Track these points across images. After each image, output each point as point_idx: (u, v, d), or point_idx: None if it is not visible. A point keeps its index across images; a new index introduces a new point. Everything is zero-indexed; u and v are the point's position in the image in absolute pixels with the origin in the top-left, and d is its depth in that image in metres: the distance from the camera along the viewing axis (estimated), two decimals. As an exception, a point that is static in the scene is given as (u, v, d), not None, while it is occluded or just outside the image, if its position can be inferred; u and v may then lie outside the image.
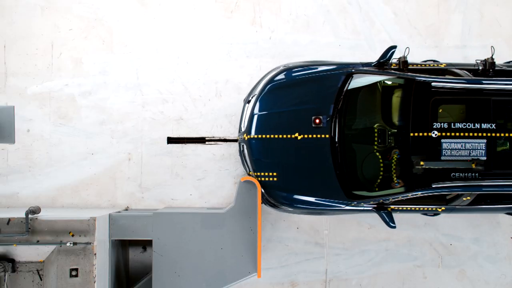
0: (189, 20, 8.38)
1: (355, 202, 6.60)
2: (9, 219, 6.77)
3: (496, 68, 6.79)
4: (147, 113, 8.26)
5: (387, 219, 6.70)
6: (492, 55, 6.76)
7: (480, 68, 6.75)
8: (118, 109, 8.26)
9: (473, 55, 8.21)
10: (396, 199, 6.57)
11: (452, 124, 6.40)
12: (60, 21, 8.37)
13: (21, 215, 6.73)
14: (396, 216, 8.18)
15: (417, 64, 6.91)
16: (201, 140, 8.23)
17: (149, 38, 8.34)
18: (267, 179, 6.81)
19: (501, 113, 6.48)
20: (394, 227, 6.68)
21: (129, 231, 7.16)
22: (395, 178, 6.72)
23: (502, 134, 6.42)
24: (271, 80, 6.93)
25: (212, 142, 8.17)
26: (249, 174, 7.11)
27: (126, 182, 8.24)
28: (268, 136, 6.74)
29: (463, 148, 6.37)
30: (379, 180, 6.78)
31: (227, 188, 8.21)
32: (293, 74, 6.90)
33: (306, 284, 8.24)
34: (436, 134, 6.36)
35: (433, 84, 6.46)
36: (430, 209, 6.85)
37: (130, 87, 8.26)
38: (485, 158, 6.35)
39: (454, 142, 6.37)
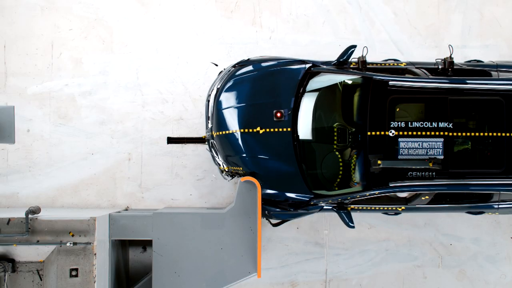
0: (189, 20, 8.38)
1: (315, 201, 6.62)
2: (9, 219, 6.77)
3: (455, 67, 6.79)
4: (147, 113, 8.27)
5: (346, 219, 6.70)
6: (451, 55, 6.75)
7: (440, 67, 6.76)
8: (118, 109, 8.26)
9: (473, 55, 8.22)
10: (354, 199, 6.55)
11: (409, 123, 6.39)
12: (60, 21, 8.37)
13: (21, 215, 6.73)
14: (395, 216, 8.19)
15: (377, 64, 6.92)
16: (201, 140, 8.23)
17: (149, 38, 8.34)
18: (238, 172, 6.93)
19: (459, 113, 6.48)
20: (353, 227, 6.68)
21: (129, 231, 7.15)
22: (353, 177, 6.69)
23: (459, 134, 6.41)
24: (233, 75, 6.97)
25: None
26: (221, 170, 7.17)
27: (126, 182, 8.24)
28: (232, 131, 6.77)
29: (420, 147, 6.36)
30: (338, 179, 6.76)
31: (227, 188, 8.21)
32: (255, 69, 6.94)
33: (306, 284, 8.24)
34: (393, 133, 6.36)
35: (390, 83, 6.47)
36: (390, 208, 6.86)
37: (130, 87, 8.27)
38: (442, 157, 6.34)
39: (411, 141, 6.36)
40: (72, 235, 6.79)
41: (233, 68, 7.07)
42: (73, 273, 6.75)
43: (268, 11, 8.39)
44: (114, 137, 8.24)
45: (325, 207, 6.77)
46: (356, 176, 6.60)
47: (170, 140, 8.26)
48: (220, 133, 6.87)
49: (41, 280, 7.02)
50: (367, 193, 6.45)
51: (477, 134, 6.45)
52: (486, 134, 6.46)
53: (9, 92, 8.28)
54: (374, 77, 6.52)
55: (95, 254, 6.74)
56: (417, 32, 8.35)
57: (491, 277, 8.25)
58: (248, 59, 7.18)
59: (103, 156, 8.22)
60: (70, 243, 6.69)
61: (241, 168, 6.87)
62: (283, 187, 6.72)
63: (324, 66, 6.85)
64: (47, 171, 8.23)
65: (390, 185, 6.37)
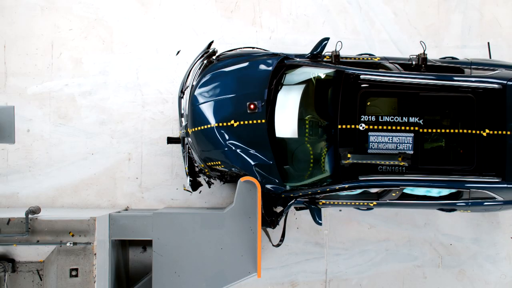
0: (189, 20, 8.38)
1: (286, 194, 6.67)
2: (9, 219, 6.76)
3: (429, 63, 6.80)
4: (147, 113, 8.27)
5: (316, 215, 6.73)
6: (424, 51, 6.74)
7: (413, 63, 6.76)
8: (118, 109, 8.26)
9: (473, 55, 8.22)
10: (325, 192, 6.56)
11: (380, 117, 6.40)
12: (60, 21, 8.37)
13: (21, 215, 6.73)
14: (395, 216, 8.19)
15: (350, 58, 6.95)
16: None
17: (149, 38, 8.34)
18: (216, 167, 6.95)
19: (430, 109, 6.48)
20: (320, 224, 6.71)
21: (129, 231, 7.15)
22: (323, 171, 6.67)
23: (430, 130, 6.41)
24: (207, 70, 7.00)
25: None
26: (200, 168, 7.21)
27: (126, 182, 8.24)
28: (207, 126, 6.78)
29: (390, 141, 6.36)
30: (309, 172, 6.74)
31: (227, 188, 8.20)
32: (227, 63, 6.98)
33: (306, 284, 8.24)
34: (363, 127, 6.36)
35: (361, 76, 6.48)
36: (362, 203, 6.87)
37: (130, 87, 8.26)
38: (412, 152, 6.34)
39: (381, 135, 6.36)
40: (72, 235, 6.79)
41: (207, 63, 7.10)
42: (73, 273, 6.75)
43: (268, 11, 8.39)
44: (114, 137, 8.24)
45: (296, 201, 6.80)
46: (326, 169, 6.57)
47: (170, 140, 8.23)
48: (196, 129, 6.87)
49: (41, 280, 7.02)
50: (337, 186, 6.45)
51: (447, 131, 6.44)
52: (456, 131, 6.45)
53: (9, 92, 8.28)
54: (346, 70, 6.53)
55: (95, 254, 6.74)
56: (417, 32, 8.35)
57: (491, 277, 8.25)
58: (214, 50, 7.23)
59: (103, 156, 8.23)
60: (70, 243, 6.68)
61: (219, 162, 6.86)
62: (261, 179, 6.74)
63: (298, 59, 6.88)
64: (47, 171, 8.23)
65: (360, 178, 6.36)
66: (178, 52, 8.09)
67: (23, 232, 6.67)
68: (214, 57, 7.20)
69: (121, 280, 7.70)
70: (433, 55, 8.21)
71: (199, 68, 7.15)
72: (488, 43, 8.11)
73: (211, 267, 6.97)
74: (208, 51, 7.25)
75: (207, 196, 8.23)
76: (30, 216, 6.74)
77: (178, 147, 8.23)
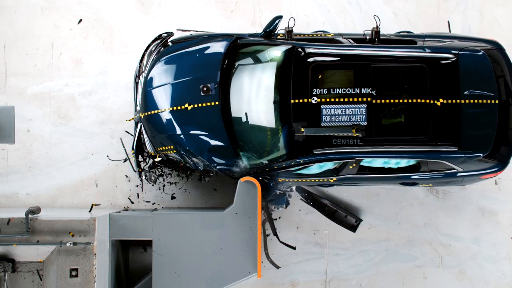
0: (189, 20, 8.38)
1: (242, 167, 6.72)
2: (9, 219, 6.77)
3: (383, 37, 6.80)
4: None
5: (272, 193, 6.86)
6: (378, 25, 6.73)
7: (367, 37, 6.77)
8: (118, 109, 8.26)
9: (473, 55, 8.22)
10: (281, 168, 6.57)
11: (332, 90, 6.38)
12: (60, 21, 8.37)
13: (21, 215, 6.73)
14: (395, 216, 8.19)
15: (304, 34, 6.94)
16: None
17: (149, 38, 8.33)
18: (167, 152, 6.96)
19: (382, 79, 6.43)
20: (280, 200, 6.77)
21: (129, 231, 7.15)
22: (280, 147, 6.64)
23: (383, 101, 6.36)
24: (160, 55, 7.01)
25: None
26: (151, 155, 7.20)
27: (126, 182, 8.24)
28: (161, 110, 6.78)
29: (343, 113, 6.33)
30: (267, 149, 6.73)
31: (227, 188, 8.20)
32: (180, 46, 6.99)
33: (306, 284, 8.24)
34: (315, 100, 6.34)
35: (312, 51, 6.48)
36: (322, 180, 6.88)
37: (130, 87, 8.26)
38: (365, 123, 6.31)
39: (334, 108, 6.33)
40: (72, 235, 6.79)
41: (160, 47, 7.11)
42: (73, 273, 6.75)
43: (268, 11, 8.39)
44: (114, 137, 8.24)
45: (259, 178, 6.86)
46: (283, 146, 6.56)
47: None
48: (149, 113, 6.87)
49: (41, 280, 7.02)
50: (292, 162, 6.46)
51: (400, 101, 6.39)
52: (410, 101, 6.40)
53: (9, 92, 8.28)
54: (296, 46, 6.54)
55: (95, 254, 6.74)
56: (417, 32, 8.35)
57: (491, 277, 8.25)
58: (168, 33, 7.25)
59: (103, 156, 8.22)
60: (70, 243, 6.69)
61: (172, 147, 6.86)
62: (217, 160, 6.75)
63: (251, 38, 6.90)
64: (47, 171, 8.23)
65: (315, 152, 6.35)
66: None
67: (23, 232, 6.67)
68: (169, 41, 7.20)
69: (121, 280, 7.70)
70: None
71: (155, 53, 7.15)
72: (448, 21, 8.12)
73: (211, 267, 6.98)
74: (162, 35, 7.28)
75: (207, 196, 8.23)
76: (30, 216, 6.74)
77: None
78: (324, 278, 8.23)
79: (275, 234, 7.76)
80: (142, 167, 7.49)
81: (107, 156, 8.14)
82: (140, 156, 7.37)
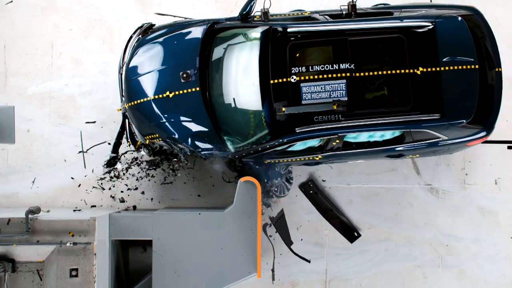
0: (189, 20, 8.37)
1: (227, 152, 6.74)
2: (9, 219, 6.77)
3: (359, 11, 6.77)
4: (147, 113, 8.26)
5: (263, 175, 6.89)
6: None
7: (344, 13, 6.75)
8: (118, 109, 8.26)
9: (473, 55, 8.22)
10: (265, 149, 6.58)
11: (310, 67, 6.37)
12: (60, 21, 8.37)
13: (21, 215, 6.73)
14: (395, 216, 8.19)
15: (280, 15, 6.96)
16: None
17: (149, 38, 8.33)
18: (153, 141, 7.00)
19: (360, 53, 6.41)
20: (267, 181, 6.81)
21: (129, 231, 7.15)
22: (263, 128, 6.64)
23: (362, 74, 6.34)
24: (139, 44, 7.04)
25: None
26: (129, 145, 7.26)
27: (126, 182, 8.23)
28: (143, 99, 6.82)
29: (323, 90, 6.32)
30: (251, 132, 6.73)
31: (227, 188, 8.21)
32: (159, 34, 7.02)
33: (306, 284, 8.24)
34: (295, 79, 6.34)
35: (288, 29, 6.47)
36: (307, 158, 6.90)
37: (130, 87, 8.25)
38: (346, 98, 6.30)
39: (313, 85, 6.32)
40: (72, 235, 6.79)
41: (140, 37, 7.14)
42: (73, 273, 6.75)
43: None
44: (114, 137, 8.24)
45: (243, 161, 6.89)
46: (264, 126, 6.56)
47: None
48: (132, 103, 6.91)
49: (41, 280, 7.02)
50: (276, 142, 6.46)
51: (380, 73, 6.37)
52: (389, 72, 6.37)
53: (9, 92, 8.28)
54: (273, 26, 6.55)
55: (95, 254, 6.74)
56: (417, 32, 8.34)
57: (491, 277, 8.25)
58: (150, 24, 7.28)
59: (103, 156, 8.22)
60: (70, 243, 6.69)
61: (157, 135, 6.90)
62: (201, 145, 6.78)
63: (228, 22, 6.91)
64: (47, 171, 8.23)
65: (297, 131, 6.35)
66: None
67: (23, 232, 6.68)
68: (149, 31, 7.22)
69: (121, 280, 7.70)
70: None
71: (136, 43, 7.19)
72: None
73: (211, 267, 6.98)
74: (143, 25, 7.30)
75: (207, 196, 8.23)
76: (30, 216, 6.74)
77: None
78: (324, 278, 8.23)
79: (291, 243, 7.81)
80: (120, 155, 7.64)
81: (104, 163, 8.14)
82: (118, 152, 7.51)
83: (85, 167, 7.82)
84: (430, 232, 8.23)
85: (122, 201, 8.18)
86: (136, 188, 8.20)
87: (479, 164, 8.24)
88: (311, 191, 8.11)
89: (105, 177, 8.15)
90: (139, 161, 8.11)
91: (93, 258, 6.75)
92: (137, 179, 8.18)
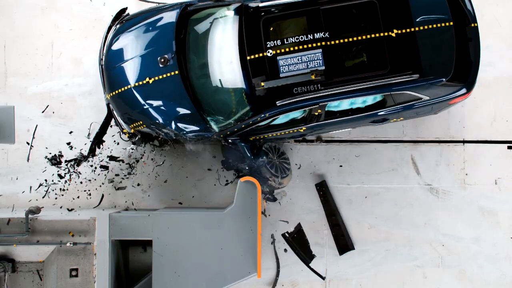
0: (189, 20, 8.37)
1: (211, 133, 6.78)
2: (9, 219, 6.77)
3: None
4: (147, 113, 8.26)
5: (247, 151, 6.89)
6: None
7: None
8: (118, 109, 8.25)
9: (473, 55, 8.22)
10: (248, 126, 6.61)
11: (285, 39, 6.38)
12: (60, 21, 8.37)
13: (21, 215, 6.73)
14: (395, 216, 8.18)
15: None
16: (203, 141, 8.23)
17: (149, 38, 8.33)
18: (138, 128, 7.04)
19: (334, 21, 6.41)
20: (251, 158, 6.90)
21: (129, 231, 7.15)
22: (244, 105, 6.66)
23: (337, 41, 6.35)
24: (115, 33, 7.09)
25: (212, 142, 8.17)
26: (123, 133, 7.34)
27: (126, 182, 8.23)
28: (124, 88, 6.86)
29: (300, 61, 6.34)
30: (233, 110, 6.74)
31: (227, 188, 8.21)
32: (134, 22, 7.06)
33: (306, 284, 8.24)
34: (271, 53, 6.35)
35: (261, 4, 6.51)
36: (293, 131, 6.93)
37: (130, 87, 8.25)
38: (323, 67, 6.31)
39: (290, 57, 6.34)
40: (72, 235, 6.79)
41: (116, 26, 7.18)
42: (73, 273, 6.76)
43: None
44: (114, 137, 8.24)
45: (229, 140, 6.93)
46: (245, 102, 6.59)
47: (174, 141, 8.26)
48: (114, 93, 6.96)
49: (41, 280, 7.02)
50: (258, 118, 6.49)
51: (354, 39, 6.38)
52: (364, 37, 6.37)
53: (9, 92, 8.28)
54: (245, 2, 6.58)
55: (95, 254, 6.75)
56: (417, 32, 8.34)
57: (491, 277, 8.25)
58: (122, 8, 7.35)
59: (103, 156, 8.22)
60: (70, 243, 6.69)
61: (141, 122, 6.94)
62: (186, 128, 6.82)
63: (200, 3, 6.94)
64: (47, 171, 8.23)
65: (278, 104, 6.38)
66: None
67: (23, 232, 6.68)
68: (124, 20, 7.26)
69: (121, 280, 7.70)
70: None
71: (112, 33, 7.23)
72: None
73: (211, 267, 6.98)
74: (119, 15, 7.34)
75: (207, 196, 8.23)
76: (30, 216, 6.75)
77: (177, 147, 8.23)
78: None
79: (312, 257, 7.89)
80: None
81: (100, 166, 8.15)
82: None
83: (28, 160, 7.84)
84: (430, 232, 8.23)
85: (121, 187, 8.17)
86: (139, 185, 8.22)
87: (479, 164, 8.24)
88: (323, 192, 8.11)
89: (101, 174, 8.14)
90: (137, 156, 8.09)
91: (93, 258, 6.75)
92: (129, 171, 8.19)
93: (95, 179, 8.19)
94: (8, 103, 8.22)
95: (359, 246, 8.21)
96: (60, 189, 8.15)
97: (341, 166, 8.22)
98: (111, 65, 6.99)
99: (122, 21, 7.20)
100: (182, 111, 6.75)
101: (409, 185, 8.23)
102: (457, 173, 8.24)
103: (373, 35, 6.35)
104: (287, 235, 8.01)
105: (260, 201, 6.91)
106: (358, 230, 8.19)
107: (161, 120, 6.82)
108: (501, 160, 8.24)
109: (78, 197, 8.19)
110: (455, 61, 6.38)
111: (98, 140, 7.62)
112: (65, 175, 8.15)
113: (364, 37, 6.36)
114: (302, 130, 6.96)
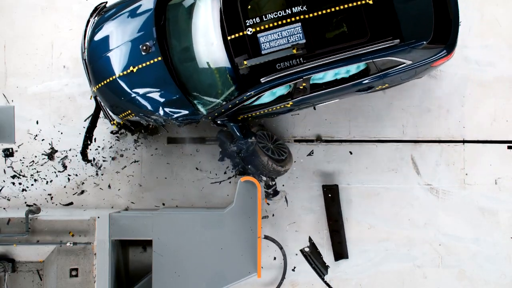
0: (189, 20, 8.37)
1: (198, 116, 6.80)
2: (9, 219, 6.77)
3: None
4: (147, 113, 8.27)
5: (237, 130, 6.90)
6: None
7: None
8: (118, 109, 8.25)
9: (473, 55, 8.22)
10: (235, 105, 6.62)
11: (264, 16, 6.40)
12: (60, 21, 8.37)
13: (21, 215, 6.74)
14: (395, 216, 8.18)
15: None
16: (201, 140, 8.23)
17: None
18: (128, 117, 7.07)
19: None
20: (241, 137, 6.90)
21: (129, 231, 7.16)
22: (229, 85, 6.68)
23: (316, 14, 6.36)
24: (95, 26, 7.10)
25: (212, 142, 8.17)
26: (112, 124, 7.37)
27: (126, 182, 8.24)
28: (109, 79, 6.88)
29: (280, 37, 6.35)
30: (219, 91, 6.75)
31: (227, 188, 8.21)
32: (112, 13, 7.07)
33: (306, 284, 8.24)
34: (251, 31, 6.37)
35: None
36: (280, 107, 6.95)
37: (130, 87, 8.25)
38: (304, 41, 6.33)
39: (270, 34, 6.35)
40: (72, 235, 6.80)
41: (94, 19, 7.19)
42: (73, 273, 6.76)
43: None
44: (114, 137, 8.24)
45: (218, 121, 6.93)
46: (230, 82, 6.61)
47: (170, 140, 8.26)
48: (99, 85, 6.98)
49: (41, 280, 7.03)
50: (244, 96, 6.51)
51: (333, 9, 6.38)
52: (342, 7, 6.38)
53: (9, 92, 8.28)
54: None
55: (95, 254, 6.75)
56: (417, 32, 8.35)
57: (491, 277, 8.25)
58: (103, 4, 7.34)
59: (103, 156, 8.22)
60: (70, 243, 6.69)
61: (130, 111, 6.96)
62: (174, 113, 6.84)
63: None
64: (47, 171, 8.23)
65: (262, 81, 6.40)
66: None
67: (23, 232, 6.68)
68: (103, 12, 7.27)
69: (121, 280, 7.70)
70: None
71: (91, 26, 7.25)
72: None
73: (211, 267, 6.98)
74: (97, 7, 7.34)
75: (207, 196, 8.23)
76: (30, 216, 6.75)
77: (178, 147, 8.23)
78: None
79: (327, 268, 7.90)
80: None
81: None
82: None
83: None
84: (430, 232, 8.23)
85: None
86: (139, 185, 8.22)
87: (479, 164, 8.24)
88: (332, 195, 8.10)
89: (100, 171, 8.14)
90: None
91: (93, 258, 6.75)
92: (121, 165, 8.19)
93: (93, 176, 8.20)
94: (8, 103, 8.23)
95: (359, 246, 8.21)
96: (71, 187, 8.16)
97: (350, 153, 8.22)
98: (94, 58, 7.03)
99: (100, 13, 7.22)
100: (169, 96, 6.78)
101: (409, 185, 8.23)
102: (457, 173, 8.24)
103: (350, 4, 6.37)
104: (306, 250, 7.96)
105: (260, 201, 6.92)
106: (358, 230, 8.19)
107: (149, 107, 6.85)
108: (501, 160, 8.24)
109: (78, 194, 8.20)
110: (434, 23, 6.41)
111: (89, 135, 7.63)
112: (68, 176, 8.16)
113: (341, 7, 6.38)
114: (289, 105, 6.99)
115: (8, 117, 6.61)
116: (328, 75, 6.68)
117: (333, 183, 8.19)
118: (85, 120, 8.19)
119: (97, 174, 8.17)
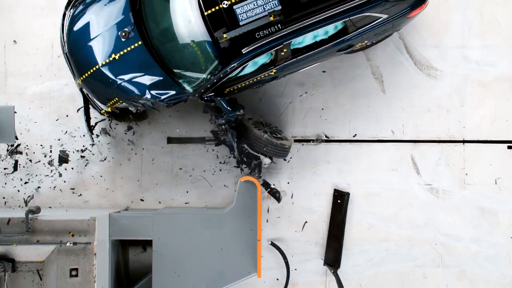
0: (189, 20, 8.37)
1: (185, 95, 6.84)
2: (9, 219, 6.77)
3: None
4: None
5: (224, 104, 6.94)
6: None
7: None
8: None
9: (473, 55, 8.22)
10: (220, 80, 6.66)
11: None
12: (60, 21, 8.35)
13: (21, 215, 6.73)
14: (395, 216, 8.19)
15: None
16: (201, 140, 8.24)
17: (149, 38, 8.33)
18: (116, 105, 7.12)
19: None
20: (230, 111, 6.96)
21: (129, 231, 7.16)
22: (212, 60, 6.71)
23: None
24: (72, 18, 7.13)
25: (212, 142, 8.18)
26: (101, 113, 7.45)
27: (126, 182, 8.24)
28: (93, 69, 6.91)
29: (256, 6, 6.40)
30: (203, 67, 6.79)
31: (227, 188, 8.21)
32: (86, 4, 7.08)
33: (306, 284, 8.24)
34: (226, 4, 6.43)
35: None
36: (263, 76, 7.02)
37: (130, 87, 8.25)
38: (280, 7, 6.39)
39: (245, 4, 6.40)
40: (72, 235, 6.80)
41: (70, 12, 7.21)
42: (73, 273, 6.76)
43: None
44: (114, 137, 8.24)
45: (206, 98, 6.97)
46: (212, 57, 6.65)
47: (170, 140, 8.26)
48: (83, 76, 7.02)
49: (41, 280, 7.02)
50: (228, 69, 6.56)
51: None
52: None
53: (9, 92, 8.28)
54: None
55: (95, 254, 6.75)
56: (416, 32, 8.34)
57: (491, 277, 8.25)
58: None
59: (103, 155, 8.23)
60: (70, 243, 6.69)
61: (117, 99, 7.00)
62: (161, 94, 6.87)
63: None
64: (47, 171, 8.23)
65: (244, 52, 6.47)
66: None
67: (23, 232, 6.68)
68: (77, 3, 7.28)
69: (121, 280, 7.70)
70: (433, 56, 8.23)
71: (66, 18, 7.26)
72: None
73: (211, 267, 6.98)
74: (71, 0, 7.35)
75: (207, 196, 8.24)
76: (30, 216, 6.75)
77: (178, 147, 8.23)
78: (324, 278, 8.23)
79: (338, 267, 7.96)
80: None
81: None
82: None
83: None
84: (430, 232, 8.23)
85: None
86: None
87: (479, 164, 8.24)
88: (341, 202, 8.10)
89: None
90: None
91: (93, 258, 6.75)
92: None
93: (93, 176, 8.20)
94: (8, 103, 8.22)
95: (359, 246, 8.21)
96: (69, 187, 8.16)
97: (350, 153, 8.21)
98: (74, 50, 7.06)
99: (75, 5, 7.23)
100: (154, 79, 6.81)
101: (409, 185, 8.24)
102: (457, 173, 8.24)
103: None
104: (331, 270, 8.02)
105: (260, 201, 6.92)
106: (358, 230, 8.19)
107: (136, 92, 6.88)
108: (501, 160, 8.24)
109: (80, 194, 8.21)
110: None
111: (88, 124, 7.66)
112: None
113: None
114: (272, 73, 7.05)
115: (8, 117, 6.60)
116: (307, 39, 6.76)
117: (332, 183, 8.20)
118: (77, 111, 8.20)
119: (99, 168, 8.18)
